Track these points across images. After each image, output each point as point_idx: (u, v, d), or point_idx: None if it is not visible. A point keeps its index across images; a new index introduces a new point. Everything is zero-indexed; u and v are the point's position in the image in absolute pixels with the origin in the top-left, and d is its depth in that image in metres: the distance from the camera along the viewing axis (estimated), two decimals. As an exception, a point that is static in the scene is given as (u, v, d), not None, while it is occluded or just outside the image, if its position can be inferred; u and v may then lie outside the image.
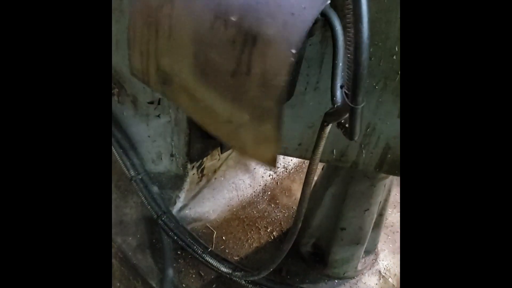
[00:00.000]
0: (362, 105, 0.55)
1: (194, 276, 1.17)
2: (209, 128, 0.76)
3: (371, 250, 1.25)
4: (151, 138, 1.15)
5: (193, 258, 1.15)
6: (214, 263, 1.10)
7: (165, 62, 0.74)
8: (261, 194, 1.40)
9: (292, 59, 0.57)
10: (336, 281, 1.20)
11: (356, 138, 0.60)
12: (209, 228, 1.28)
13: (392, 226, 1.39)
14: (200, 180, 1.30)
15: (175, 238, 1.13)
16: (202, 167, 1.26)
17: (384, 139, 0.71)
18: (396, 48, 0.62)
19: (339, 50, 0.60)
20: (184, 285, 1.14)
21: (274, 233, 1.30)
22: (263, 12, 0.59)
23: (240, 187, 1.38)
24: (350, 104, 0.55)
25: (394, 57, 0.63)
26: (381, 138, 0.71)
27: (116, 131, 1.15)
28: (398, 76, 0.64)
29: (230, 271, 1.09)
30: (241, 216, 1.33)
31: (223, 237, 1.27)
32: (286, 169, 1.51)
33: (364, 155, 0.75)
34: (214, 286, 1.16)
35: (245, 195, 1.37)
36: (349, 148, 0.76)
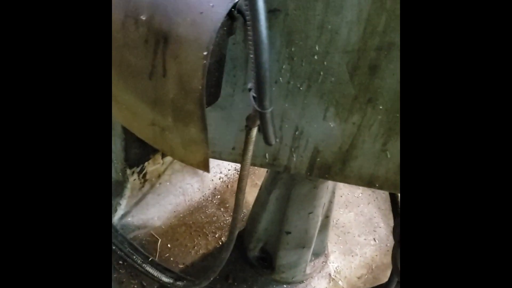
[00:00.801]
0: (269, 109, 0.52)
1: (136, 287, 1.12)
2: (135, 131, 0.71)
3: (321, 253, 1.22)
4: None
5: (135, 268, 1.10)
6: (155, 273, 1.06)
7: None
8: (210, 198, 1.36)
9: (205, 61, 0.53)
10: (285, 286, 1.17)
11: (272, 143, 0.57)
12: (153, 235, 1.23)
13: (343, 226, 1.37)
14: (143, 186, 1.25)
15: (114, 248, 1.08)
16: (143, 172, 1.21)
17: (313, 142, 0.68)
18: (317, 47, 0.59)
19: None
20: (125, 298, 1.09)
21: (222, 238, 1.26)
22: (171, 11, 0.55)
23: (187, 192, 1.34)
24: (257, 109, 0.51)
25: (315, 57, 0.60)
26: (310, 141, 0.68)
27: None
28: (321, 76, 0.61)
29: (172, 281, 1.04)
30: (188, 222, 1.28)
31: (168, 245, 1.22)
32: (238, 171, 1.47)
33: (295, 159, 0.71)
34: (158, 298, 1.11)
35: (193, 200, 1.33)
36: (280, 152, 0.72)
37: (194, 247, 1.23)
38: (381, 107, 0.58)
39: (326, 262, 1.25)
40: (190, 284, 1.02)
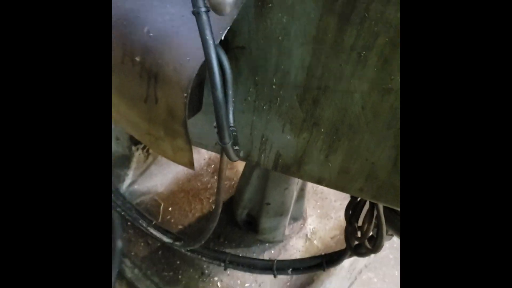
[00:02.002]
0: (229, 143, 0.69)
1: (142, 244, 1.34)
2: (135, 136, 0.89)
3: (299, 217, 1.43)
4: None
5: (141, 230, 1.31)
6: (158, 234, 1.26)
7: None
8: (205, 168, 1.55)
9: (185, 100, 0.70)
10: (267, 244, 1.39)
11: (234, 160, 0.74)
12: (157, 200, 1.44)
13: (321, 193, 1.57)
14: (147, 159, 1.44)
15: (122, 213, 1.29)
16: (147, 147, 1.40)
17: (275, 148, 0.85)
18: (274, 80, 0.75)
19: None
20: (133, 253, 1.31)
21: (211, 207, 1.46)
22: (159, 57, 0.70)
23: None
24: (219, 143, 0.69)
25: (274, 86, 0.76)
26: (273, 146, 0.85)
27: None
28: (278, 101, 0.77)
29: (172, 241, 1.25)
30: (186, 189, 1.48)
31: (170, 208, 1.43)
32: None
33: (262, 158, 0.89)
34: (160, 252, 1.33)
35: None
36: (252, 152, 0.90)
37: (191, 210, 1.44)
38: (322, 130, 0.75)
39: (304, 224, 1.45)
40: (187, 244, 1.23)
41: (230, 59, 0.77)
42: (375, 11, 0.56)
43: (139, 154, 1.39)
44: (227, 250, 1.31)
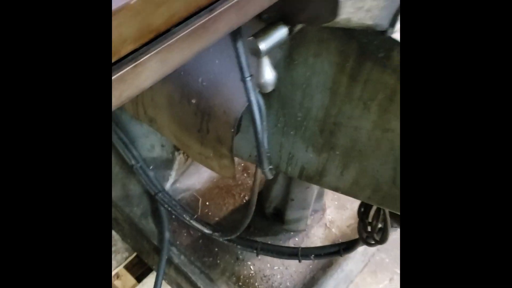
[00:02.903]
0: (267, 168, 0.90)
1: (185, 234, 1.57)
2: (187, 153, 1.11)
3: (319, 209, 1.64)
4: (145, 134, 1.50)
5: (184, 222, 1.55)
6: (199, 226, 1.50)
7: (150, 112, 1.08)
8: (236, 166, 1.77)
9: (233, 133, 0.91)
10: (292, 233, 1.61)
11: (271, 178, 0.95)
12: (196, 196, 1.67)
13: (338, 186, 1.78)
14: (186, 161, 1.66)
15: (169, 209, 1.52)
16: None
17: (300, 162, 1.06)
18: (299, 114, 0.96)
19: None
20: (178, 242, 1.55)
21: (246, 197, 1.69)
22: (211, 102, 0.91)
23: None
24: (261, 169, 0.90)
25: (299, 118, 0.97)
26: (298, 162, 1.06)
27: (118, 129, 1.49)
28: (303, 129, 0.98)
29: (211, 232, 1.48)
30: (220, 185, 1.71)
31: (207, 203, 1.66)
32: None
33: (290, 170, 1.10)
34: (200, 241, 1.56)
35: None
36: (280, 164, 1.11)
37: (225, 204, 1.66)
38: (337, 153, 0.95)
39: (323, 215, 1.67)
40: (224, 234, 1.46)
41: (264, 96, 0.97)
42: (375, 76, 0.76)
43: (180, 158, 1.61)
44: (257, 239, 1.53)
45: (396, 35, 0.70)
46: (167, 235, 1.51)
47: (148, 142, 1.51)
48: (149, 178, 1.52)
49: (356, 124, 0.86)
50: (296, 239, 1.60)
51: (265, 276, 1.52)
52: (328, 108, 0.89)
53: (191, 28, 0.39)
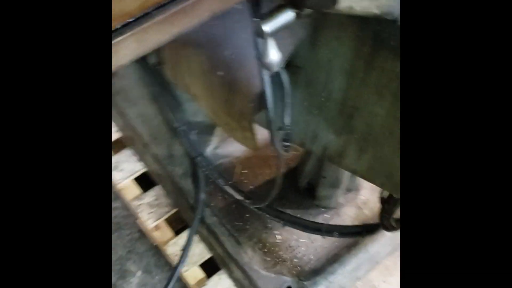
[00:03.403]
0: (280, 144, 0.93)
1: (220, 198, 1.66)
2: (216, 123, 1.17)
3: (353, 188, 1.66)
4: (190, 99, 1.58)
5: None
6: (232, 192, 1.57)
7: (186, 79, 1.14)
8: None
9: (253, 109, 0.95)
10: (322, 209, 1.64)
11: (283, 154, 0.99)
12: (234, 163, 1.74)
13: (377, 169, 1.77)
14: (228, 128, 1.73)
15: (206, 172, 1.60)
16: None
17: (323, 142, 1.08)
18: (322, 94, 0.98)
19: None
20: (212, 204, 1.63)
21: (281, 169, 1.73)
22: (236, 75, 0.95)
23: (259, 132, 1.80)
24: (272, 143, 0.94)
25: (322, 99, 0.99)
26: (321, 141, 1.08)
27: (167, 94, 1.58)
28: (325, 109, 1.00)
29: (242, 199, 1.55)
30: (258, 155, 1.76)
31: (243, 171, 1.73)
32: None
33: (313, 148, 1.13)
34: (233, 205, 1.64)
35: (262, 138, 1.79)
36: (305, 142, 1.14)
37: (261, 174, 1.72)
38: (355, 137, 0.97)
39: (356, 195, 1.68)
40: (254, 202, 1.52)
41: (291, 73, 1.00)
42: (389, 64, 0.77)
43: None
44: (287, 211, 1.58)
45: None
46: (202, 196, 1.60)
47: (193, 107, 1.59)
48: (191, 142, 1.60)
49: (371, 110, 0.88)
50: (327, 215, 1.63)
51: (290, 247, 1.57)
52: (347, 92, 0.91)
53: (170, 12, 0.43)
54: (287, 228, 1.58)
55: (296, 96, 1.04)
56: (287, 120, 1.03)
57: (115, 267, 1.84)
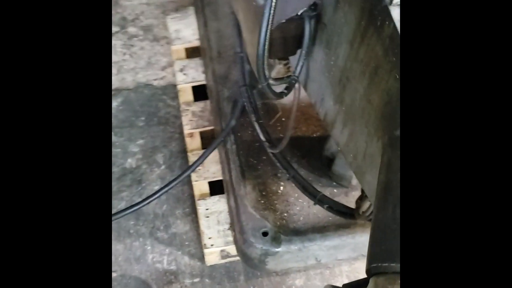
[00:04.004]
0: (264, 84, 0.97)
1: (249, 132, 1.74)
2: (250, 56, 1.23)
3: (371, 179, 1.64)
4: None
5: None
6: (258, 130, 1.64)
7: (233, 4, 1.20)
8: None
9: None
10: (334, 183, 1.65)
11: (274, 99, 1.03)
12: (278, 108, 1.79)
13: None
14: (286, 73, 1.77)
15: (245, 104, 1.68)
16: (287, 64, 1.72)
17: (325, 108, 1.10)
18: (333, 58, 0.99)
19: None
20: (239, 134, 1.72)
21: (317, 134, 1.75)
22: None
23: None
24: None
25: (331, 62, 1.00)
26: (324, 106, 1.10)
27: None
28: (332, 73, 1.01)
29: (264, 140, 1.62)
30: (303, 111, 1.79)
31: (283, 119, 1.77)
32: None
33: (320, 111, 1.15)
34: (256, 144, 1.71)
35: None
36: (316, 103, 1.17)
37: (296, 128, 1.76)
38: (343, 108, 0.97)
39: (373, 186, 1.66)
40: (272, 147, 1.58)
41: (319, 29, 1.02)
42: (372, 42, 0.77)
43: (280, 68, 1.72)
44: (302, 171, 1.63)
45: (394, 8, 0.69)
46: (232, 122, 1.69)
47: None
48: (244, 70, 1.68)
49: (355, 86, 0.88)
50: (335, 190, 1.65)
51: (287, 201, 1.63)
52: (346, 61, 0.92)
53: None
54: (293, 185, 1.63)
55: (318, 53, 1.06)
56: (297, 70, 1.06)
57: (147, 153, 2.04)
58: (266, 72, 1.02)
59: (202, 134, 1.94)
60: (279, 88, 1.14)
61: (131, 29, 2.32)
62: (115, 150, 2.03)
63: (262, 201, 1.62)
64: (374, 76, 0.78)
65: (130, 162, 2.02)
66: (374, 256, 0.59)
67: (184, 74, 2.01)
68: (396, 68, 0.68)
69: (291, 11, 0.96)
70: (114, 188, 1.96)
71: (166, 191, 1.77)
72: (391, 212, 0.61)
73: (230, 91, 1.78)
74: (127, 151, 2.04)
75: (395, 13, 0.68)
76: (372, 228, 0.64)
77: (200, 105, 1.96)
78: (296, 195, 1.64)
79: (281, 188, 1.65)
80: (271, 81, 1.08)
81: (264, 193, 1.64)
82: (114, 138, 2.06)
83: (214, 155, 1.84)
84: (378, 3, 0.72)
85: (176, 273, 1.82)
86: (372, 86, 0.80)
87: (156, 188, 1.90)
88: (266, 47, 0.95)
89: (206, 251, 1.70)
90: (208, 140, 1.91)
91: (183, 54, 2.07)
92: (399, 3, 0.67)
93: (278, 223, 1.58)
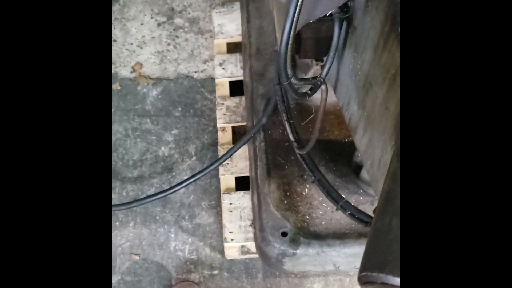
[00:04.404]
0: (285, 83, 0.96)
1: (280, 131, 1.73)
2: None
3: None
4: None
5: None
6: (288, 130, 1.63)
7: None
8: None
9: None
10: (361, 190, 1.62)
11: (295, 99, 1.02)
12: (311, 109, 1.77)
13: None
14: (321, 76, 1.75)
15: (277, 102, 1.68)
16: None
17: (350, 112, 1.08)
18: (359, 62, 0.97)
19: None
20: (269, 132, 1.72)
21: (348, 139, 1.72)
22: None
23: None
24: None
25: (358, 66, 0.98)
26: (350, 110, 1.09)
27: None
28: (358, 77, 0.99)
29: (293, 140, 1.61)
30: (337, 115, 1.76)
31: (315, 121, 1.75)
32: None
33: (346, 114, 1.13)
34: (286, 143, 1.71)
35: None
36: (343, 106, 1.15)
37: (328, 131, 1.74)
38: (365, 113, 0.95)
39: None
40: (300, 148, 1.57)
41: (349, 32, 1.01)
42: (393, 49, 0.74)
43: (317, 69, 1.71)
44: (329, 175, 1.61)
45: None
46: (263, 120, 1.69)
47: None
48: (280, 67, 1.67)
49: (376, 91, 0.86)
50: (360, 198, 1.62)
51: (310, 204, 1.61)
52: (370, 65, 0.90)
53: None
54: (318, 189, 1.61)
55: (347, 57, 1.05)
56: (324, 72, 1.05)
57: (180, 143, 2.08)
58: (289, 71, 1.01)
59: (234, 129, 1.95)
60: (305, 88, 1.12)
61: (178, 20, 2.37)
62: (150, 137, 2.09)
63: (285, 201, 1.61)
64: (393, 83, 0.76)
65: (163, 150, 2.06)
66: (365, 265, 0.58)
67: (223, 68, 2.03)
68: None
69: (320, 11, 0.94)
70: (146, 174, 2.01)
71: (192, 182, 1.80)
72: (388, 222, 0.59)
73: (265, 89, 1.78)
74: (162, 140, 2.08)
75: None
76: (369, 236, 0.62)
77: (235, 100, 1.97)
78: (321, 199, 1.62)
79: (306, 190, 1.64)
80: (294, 81, 1.07)
81: (288, 193, 1.63)
82: (150, 126, 2.11)
83: (244, 151, 1.85)
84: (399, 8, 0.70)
85: (196, 263, 1.84)
86: (390, 93, 0.77)
87: (185, 177, 1.94)
88: (289, 46, 0.94)
89: (226, 245, 1.71)
90: (240, 136, 1.92)
91: (224, 48, 2.09)
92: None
93: (299, 224, 1.57)
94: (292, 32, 0.90)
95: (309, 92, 1.10)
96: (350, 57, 1.02)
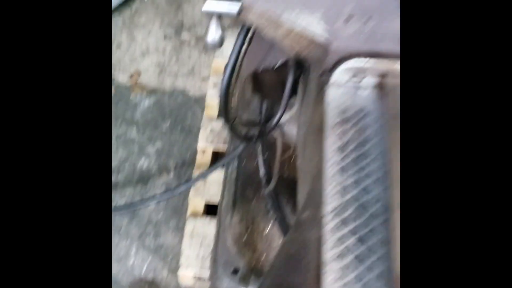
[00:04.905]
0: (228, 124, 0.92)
1: (255, 163, 1.68)
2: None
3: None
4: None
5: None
6: (260, 163, 1.58)
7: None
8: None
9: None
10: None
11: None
12: (290, 146, 1.72)
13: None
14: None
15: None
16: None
17: (300, 159, 1.03)
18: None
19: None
20: (244, 162, 1.67)
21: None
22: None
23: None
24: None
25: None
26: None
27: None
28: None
29: (261, 176, 1.55)
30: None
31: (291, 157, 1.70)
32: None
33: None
34: (258, 176, 1.65)
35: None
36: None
37: (304, 171, 1.68)
38: (301, 164, 0.90)
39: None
40: (266, 185, 1.51)
41: (303, 84, 0.96)
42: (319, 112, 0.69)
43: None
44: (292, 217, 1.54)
45: (330, 88, 0.62)
46: (239, 148, 1.64)
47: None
48: (221, 109, 1.62)
49: (310, 147, 0.81)
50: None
51: (269, 244, 1.55)
52: (309, 122, 0.85)
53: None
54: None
55: (300, 107, 1.00)
56: (276, 118, 1.01)
57: (161, 157, 2.05)
58: (230, 114, 0.97)
59: (216, 153, 1.91)
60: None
61: (185, 35, 2.37)
62: (132, 147, 2.07)
63: (245, 237, 1.55)
64: (319, 143, 0.70)
65: (143, 162, 2.04)
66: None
67: (215, 89, 2.00)
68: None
69: (270, 62, 0.91)
70: (120, 183, 1.98)
71: (161, 200, 1.76)
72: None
73: (248, 118, 1.74)
74: (143, 151, 2.06)
75: (331, 92, 0.64)
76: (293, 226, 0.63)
77: (221, 123, 1.93)
78: (281, 239, 1.55)
79: (268, 229, 1.57)
80: (240, 123, 1.03)
81: (249, 230, 1.57)
82: (135, 135, 2.09)
83: (221, 177, 1.80)
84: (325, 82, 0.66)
85: (151, 284, 1.79)
86: (315, 151, 0.72)
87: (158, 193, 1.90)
88: (230, 89, 0.91)
89: (181, 271, 1.66)
90: (219, 156, 1.88)
91: (221, 70, 2.06)
92: (336, 83, 0.63)
93: (254, 263, 1.50)
94: (232, 77, 0.88)
95: (255, 136, 1.05)
96: (300, 108, 0.97)
